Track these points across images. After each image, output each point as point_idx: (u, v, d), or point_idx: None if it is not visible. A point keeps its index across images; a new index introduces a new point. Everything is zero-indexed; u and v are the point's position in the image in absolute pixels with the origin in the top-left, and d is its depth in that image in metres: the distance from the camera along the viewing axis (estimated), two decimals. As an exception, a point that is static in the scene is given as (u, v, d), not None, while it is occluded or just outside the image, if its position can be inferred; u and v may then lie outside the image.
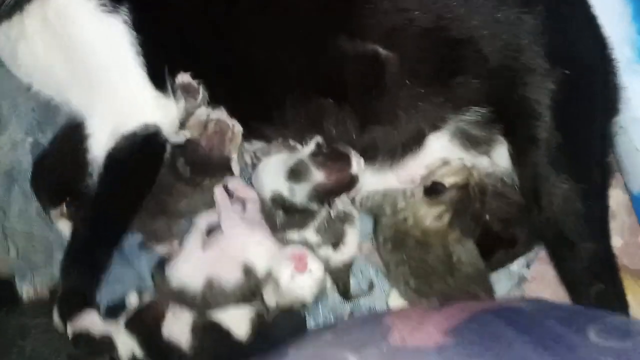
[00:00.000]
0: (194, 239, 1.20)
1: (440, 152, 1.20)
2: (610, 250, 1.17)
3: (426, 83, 1.11)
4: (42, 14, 1.15)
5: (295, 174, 1.17)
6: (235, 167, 1.22)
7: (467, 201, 1.19)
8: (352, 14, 1.13)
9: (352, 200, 1.26)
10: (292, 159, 1.19)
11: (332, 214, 1.20)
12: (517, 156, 1.16)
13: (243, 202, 1.23)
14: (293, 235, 1.22)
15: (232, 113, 1.21)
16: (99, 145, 1.17)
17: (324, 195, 1.18)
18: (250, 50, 1.17)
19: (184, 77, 1.19)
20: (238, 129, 1.21)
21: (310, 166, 1.17)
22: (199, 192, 1.24)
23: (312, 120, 1.18)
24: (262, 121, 1.21)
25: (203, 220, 1.20)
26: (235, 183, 1.25)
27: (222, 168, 1.22)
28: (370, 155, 1.19)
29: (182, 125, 1.22)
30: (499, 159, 1.21)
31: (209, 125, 1.19)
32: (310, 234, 1.19)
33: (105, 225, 1.20)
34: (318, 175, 1.16)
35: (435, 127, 1.17)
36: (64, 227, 1.25)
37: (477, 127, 1.17)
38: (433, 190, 1.18)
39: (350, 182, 1.18)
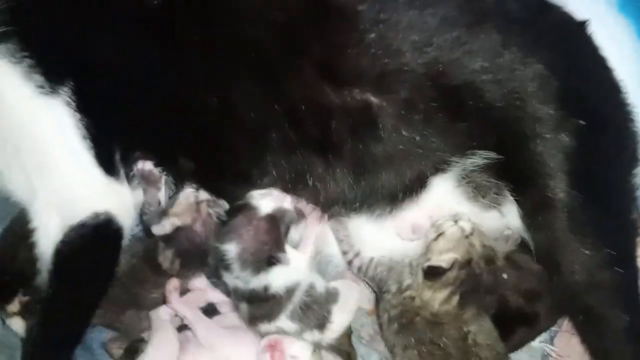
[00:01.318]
0: (164, 334, 1.07)
1: (446, 199, 1.07)
2: (643, 319, 1.02)
3: (424, 131, 1.01)
4: None
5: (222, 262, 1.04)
6: None
7: (474, 278, 1.04)
8: (333, 60, 1.01)
9: (349, 264, 1.12)
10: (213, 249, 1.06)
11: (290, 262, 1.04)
12: (530, 219, 1.02)
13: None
14: (267, 327, 1.07)
15: (205, 180, 1.09)
16: (47, 239, 1.03)
17: (259, 259, 1.03)
18: (221, 108, 1.04)
19: (145, 165, 1.06)
20: (226, 206, 1.09)
21: (221, 245, 1.04)
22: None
23: (296, 177, 1.05)
24: (240, 184, 1.08)
25: (165, 313, 1.09)
26: (201, 283, 1.12)
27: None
28: (368, 203, 1.06)
29: (165, 213, 1.09)
30: (510, 216, 1.07)
31: (201, 207, 1.07)
32: (284, 322, 1.06)
33: (60, 326, 1.05)
34: (231, 248, 1.03)
35: (438, 170, 1.04)
36: (18, 326, 1.16)
37: (485, 174, 1.04)
38: (432, 273, 1.03)
39: (272, 224, 1.03)
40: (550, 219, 0.99)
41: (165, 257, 1.08)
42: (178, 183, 1.09)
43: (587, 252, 0.98)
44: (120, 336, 1.16)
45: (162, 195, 1.08)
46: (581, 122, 0.98)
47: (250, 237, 1.03)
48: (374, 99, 1.00)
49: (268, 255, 1.03)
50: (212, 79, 1.04)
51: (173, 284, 1.08)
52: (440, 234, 1.04)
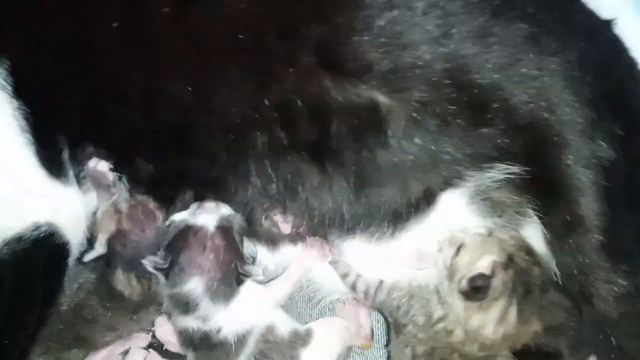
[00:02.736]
0: None
1: (455, 218, 0.92)
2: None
3: (439, 139, 0.87)
4: None
5: (182, 309, 0.88)
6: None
7: (524, 275, 0.88)
8: (336, 46, 0.86)
9: (353, 288, 0.96)
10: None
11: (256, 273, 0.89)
12: (558, 241, 0.88)
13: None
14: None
15: (164, 189, 0.92)
16: None
17: (232, 282, 0.87)
18: (195, 98, 0.87)
19: (97, 165, 0.89)
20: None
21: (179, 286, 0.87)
22: (132, 322, 0.95)
23: (285, 189, 0.89)
24: (209, 196, 0.91)
25: None
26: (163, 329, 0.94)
27: None
28: (366, 223, 0.91)
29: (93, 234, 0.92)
30: (532, 240, 0.92)
31: (120, 205, 0.90)
32: None
33: None
34: (196, 284, 0.86)
35: (449, 185, 0.90)
36: None
37: (504, 189, 0.90)
38: (474, 290, 0.86)
39: (229, 239, 0.87)
40: (581, 242, 0.85)
41: (118, 279, 0.91)
42: (133, 190, 0.92)
43: (622, 280, 0.84)
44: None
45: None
46: (616, 129, 0.85)
47: (212, 262, 0.86)
48: (382, 99, 0.86)
49: (236, 273, 0.88)
50: (186, 61, 0.87)
51: None
52: (459, 247, 0.89)
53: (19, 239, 0.83)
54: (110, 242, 0.90)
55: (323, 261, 0.95)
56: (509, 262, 0.87)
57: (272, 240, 0.95)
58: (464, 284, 0.86)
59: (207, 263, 0.86)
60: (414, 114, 0.86)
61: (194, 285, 0.86)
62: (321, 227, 0.92)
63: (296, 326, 0.94)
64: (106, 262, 0.91)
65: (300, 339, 0.93)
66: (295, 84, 0.85)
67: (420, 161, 0.87)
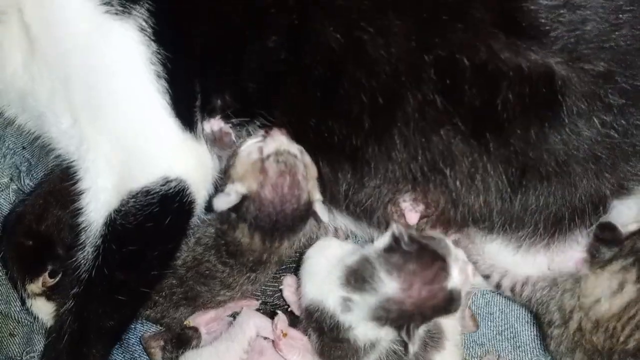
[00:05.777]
0: (237, 344, 0.90)
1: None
2: None
3: (622, 123, 0.76)
4: (19, 15, 0.82)
5: (357, 278, 0.80)
6: (321, 211, 0.84)
7: None
8: (516, 5, 0.77)
9: (497, 287, 0.89)
10: (354, 256, 0.82)
11: (411, 349, 0.79)
12: None
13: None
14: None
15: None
16: (97, 205, 0.82)
17: (399, 318, 0.79)
18: (345, 49, 0.79)
19: (212, 124, 0.84)
20: (307, 158, 0.84)
21: (378, 269, 0.79)
22: (249, 282, 0.91)
23: (430, 169, 0.80)
24: (344, 165, 0.84)
25: (252, 326, 0.91)
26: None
27: (300, 220, 0.84)
28: (516, 226, 0.82)
29: (227, 175, 0.85)
30: None
31: (268, 164, 0.82)
32: None
33: (101, 318, 0.84)
34: (390, 286, 0.78)
35: (621, 191, 0.80)
36: (43, 310, 0.97)
37: None
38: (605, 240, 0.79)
39: (445, 302, 0.78)
40: None
41: (242, 232, 0.85)
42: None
43: None
44: (163, 332, 0.96)
45: None
46: None
47: (417, 297, 0.78)
48: (559, 68, 0.76)
49: (408, 324, 0.78)
50: (340, 6, 0.79)
51: (281, 324, 0.87)
52: None
53: (145, 192, 0.80)
54: (243, 199, 0.82)
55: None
56: None
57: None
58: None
59: (411, 286, 0.77)
60: (595, 90, 0.75)
61: (387, 286, 0.78)
62: (461, 222, 0.83)
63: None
64: (233, 209, 0.84)
65: (433, 338, 0.86)
66: (462, 40, 0.76)
67: (595, 151, 0.77)
